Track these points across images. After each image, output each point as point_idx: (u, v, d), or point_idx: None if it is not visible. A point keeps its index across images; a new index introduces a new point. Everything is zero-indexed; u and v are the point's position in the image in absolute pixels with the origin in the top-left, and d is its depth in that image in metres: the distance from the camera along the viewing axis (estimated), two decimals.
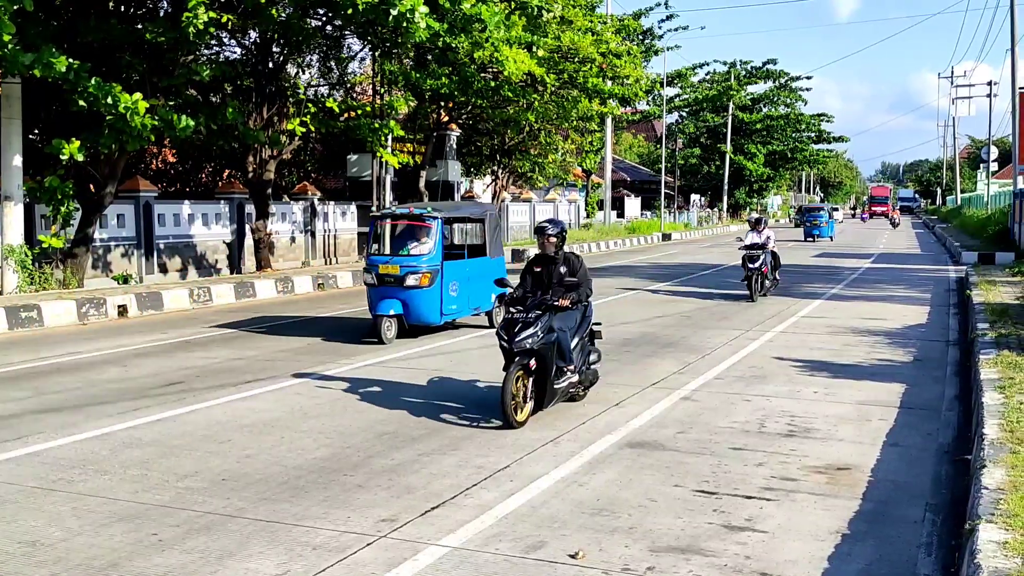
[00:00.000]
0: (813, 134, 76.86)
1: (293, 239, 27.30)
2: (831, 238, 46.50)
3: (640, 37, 51.27)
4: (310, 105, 22.83)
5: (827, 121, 76.59)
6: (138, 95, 15.65)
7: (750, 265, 18.01)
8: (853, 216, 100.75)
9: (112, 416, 8.41)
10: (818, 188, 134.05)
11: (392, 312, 12.77)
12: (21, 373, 10.71)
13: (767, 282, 18.53)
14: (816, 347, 12.35)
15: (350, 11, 15.92)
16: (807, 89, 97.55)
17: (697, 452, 7.24)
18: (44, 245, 17.19)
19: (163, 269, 22.41)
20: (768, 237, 18.34)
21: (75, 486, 6.38)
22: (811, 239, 46.01)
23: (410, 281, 12.67)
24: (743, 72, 71.58)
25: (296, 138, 23.01)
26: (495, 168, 35.19)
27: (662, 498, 6.15)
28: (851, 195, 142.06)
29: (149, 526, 5.60)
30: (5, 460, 6.99)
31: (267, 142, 21.47)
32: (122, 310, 15.97)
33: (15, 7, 13.71)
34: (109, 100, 15.23)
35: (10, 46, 14.16)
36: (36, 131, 19.00)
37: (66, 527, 5.60)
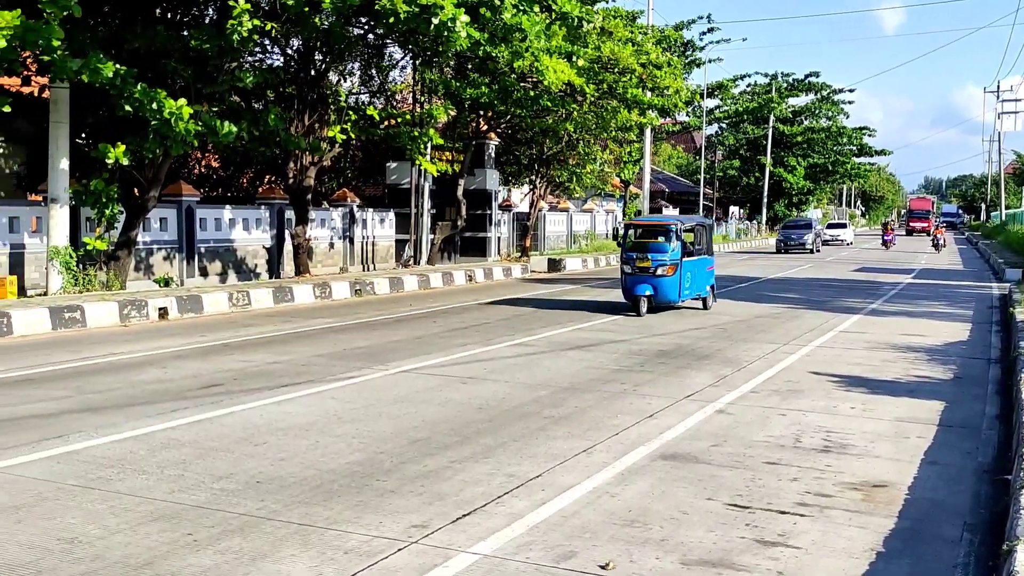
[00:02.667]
0: (854, 147, 75.97)
1: (332, 245, 27.52)
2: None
3: (681, 49, 51.15)
4: (351, 113, 23.02)
5: (869, 135, 75.65)
6: (182, 101, 15.88)
7: None
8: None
9: (151, 417, 8.52)
10: (859, 202, 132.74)
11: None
12: (63, 373, 10.89)
13: None
14: (854, 362, 12.21)
15: (392, 20, 16.03)
16: (850, 102, 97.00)
17: (731, 466, 7.19)
18: (88, 247, 17.49)
19: (203, 273, 22.69)
20: None
21: (113, 485, 6.48)
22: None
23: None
24: (784, 84, 71.01)
25: (336, 145, 23.19)
26: (533, 177, 35.22)
27: (694, 511, 6.11)
28: (892, 209, 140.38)
29: (184, 526, 5.67)
30: (46, 458, 7.10)
31: (308, 149, 21.66)
32: (163, 312, 16.19)
33: (64, 13, 13.98)
34: (154, 106, 15.46)
35: (59, 52, 14.44)
36: (83, 135, 19.30)
37: (103, 525, 5.68)
